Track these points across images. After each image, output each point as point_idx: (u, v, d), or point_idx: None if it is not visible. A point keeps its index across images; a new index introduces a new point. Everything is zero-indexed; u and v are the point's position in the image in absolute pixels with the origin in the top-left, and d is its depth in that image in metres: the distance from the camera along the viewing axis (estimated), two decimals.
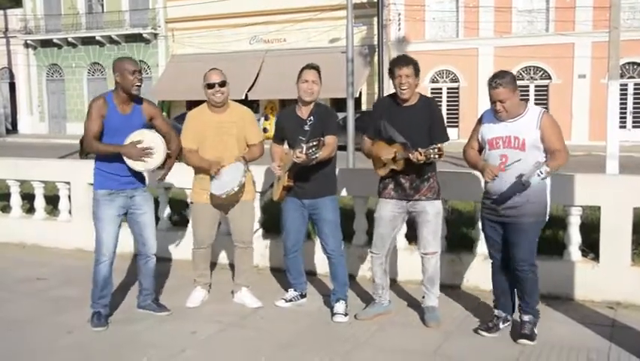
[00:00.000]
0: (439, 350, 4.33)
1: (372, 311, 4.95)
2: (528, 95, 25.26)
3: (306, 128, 4.89)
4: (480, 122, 4.55)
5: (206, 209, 5.16)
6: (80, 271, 6.03)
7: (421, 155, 4.36)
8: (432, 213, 4.71)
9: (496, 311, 4.63)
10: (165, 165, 4.88)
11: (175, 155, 4.99)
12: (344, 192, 5.97)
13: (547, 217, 4.44)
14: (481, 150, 4.53)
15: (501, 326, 4.58)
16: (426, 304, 4.86)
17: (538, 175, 4.16)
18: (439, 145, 4.37)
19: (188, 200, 5.33)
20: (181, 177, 5.83)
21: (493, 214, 4.48)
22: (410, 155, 4.42)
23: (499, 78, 4.26)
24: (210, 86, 5.02)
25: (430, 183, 4.71)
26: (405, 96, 4.65)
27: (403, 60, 4.66)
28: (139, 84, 4.73)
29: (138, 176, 4.87)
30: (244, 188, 5.06)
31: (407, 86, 4.60)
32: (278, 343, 4.48)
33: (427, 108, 4.69)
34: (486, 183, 4.50)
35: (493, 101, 4.31)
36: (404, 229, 5.83)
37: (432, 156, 4.35)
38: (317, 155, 4.56)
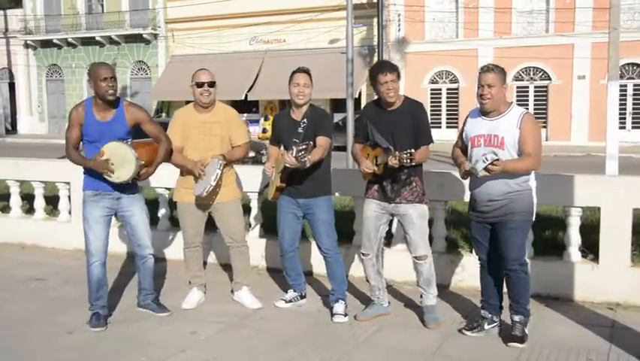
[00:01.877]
0: (439, 351, 4.33)
1: (371, 312, 4.96)
2: (527, 95, 25.29)
3: (300, 130, 4.93)
4: (465, 121, 4.58)
5: (191, 208, 5.17)
6: (79, 271, 6.01)
7: (395, 159, 4.41)
8: (415, 216, 4.73)
9: (482, 312, 4.64)
10: (142, 176, 4.80)
11: (161, 160, 4.91)
12: (341, 193, 5.96)
13: (534, 216, 4.43)
14: (465, 149, 4.55)
15: (486, 326, 4.58)
16: (425, 304, 4.86)
17: (484, 162, 4.09)
18: (411, 151, 4.38)
19: (174, 199, 5.31)
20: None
21: (480, 217, 4.49)
22: (388, 160, 4.47)
23: (492, 65, 4.40)
24: (199, 85, 5.03)
25: (411, 186, 4.72)
26: (391, 100, 4.70)
27: (388, 66, 4.74)
28: (112, 91, 4.67)
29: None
30: (221, 182, 5.02)
31: (393, 92, 4.66)
32: (278, 343, 4.48)
33: (411, 111, 4.73)
34: (471, 186, 4.51)
35: (481, 86, 4.33)
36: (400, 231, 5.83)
37: (405, 161, 4.38)
38: (307, 158, 4.59)
